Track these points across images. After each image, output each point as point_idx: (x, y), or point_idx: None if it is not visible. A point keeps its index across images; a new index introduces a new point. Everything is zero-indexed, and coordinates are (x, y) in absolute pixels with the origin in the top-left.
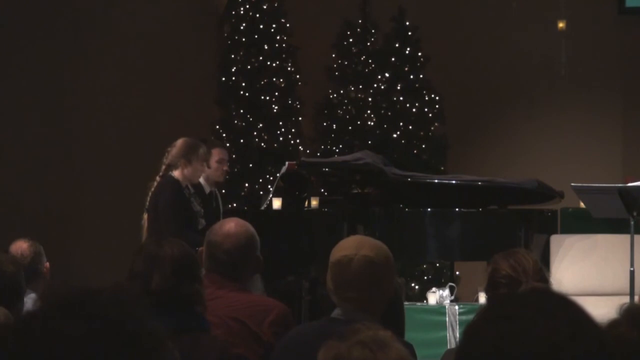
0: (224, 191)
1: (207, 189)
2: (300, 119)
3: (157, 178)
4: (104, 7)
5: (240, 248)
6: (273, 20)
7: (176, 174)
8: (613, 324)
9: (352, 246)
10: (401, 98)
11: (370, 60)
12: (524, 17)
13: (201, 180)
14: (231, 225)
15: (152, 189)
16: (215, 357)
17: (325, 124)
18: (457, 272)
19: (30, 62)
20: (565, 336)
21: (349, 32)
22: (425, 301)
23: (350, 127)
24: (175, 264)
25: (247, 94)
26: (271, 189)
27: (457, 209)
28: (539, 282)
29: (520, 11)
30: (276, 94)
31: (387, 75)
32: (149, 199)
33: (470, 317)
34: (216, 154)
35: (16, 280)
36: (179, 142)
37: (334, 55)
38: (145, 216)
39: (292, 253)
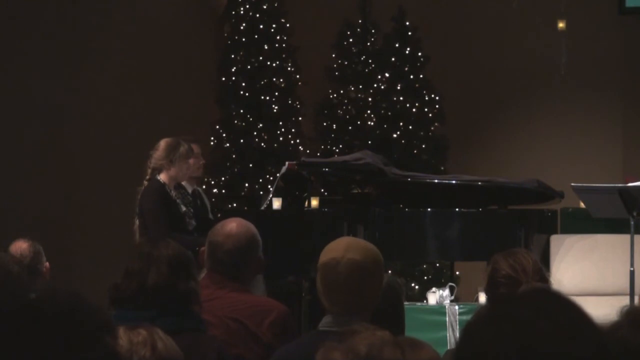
0: (224, 191)
1: (190, 188)
2: (300, 119)
3: (145, 182)
4: (104, 7)
5: (242, 248)
6: (273, 20)
7: (162, 176)
8: (614, 326)
9: (340, 249)
10: (401, 98)
11: (370, 60)
12: (524, 17)
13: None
14: (233, 225)
15: (140, 194)
16: (212, 357)
17: (325, 124)
18: (457, 272)
19: (30, 62)
20: (564, 337)
21: (349, 32)
22: (425, 301)
23: (350, 127)
24: (171, 261)
25: (247, 94)
26: (271, 189)
27: (457, 209)
28: (538, 282)
29: (520, 11)
30: (276, 94)
31: (387, 75)
32: (138, 203)
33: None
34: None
35: (20, 281)
36: (161, 143)
37: (334, 55)
38: (137, 221)
39: (292, 253)
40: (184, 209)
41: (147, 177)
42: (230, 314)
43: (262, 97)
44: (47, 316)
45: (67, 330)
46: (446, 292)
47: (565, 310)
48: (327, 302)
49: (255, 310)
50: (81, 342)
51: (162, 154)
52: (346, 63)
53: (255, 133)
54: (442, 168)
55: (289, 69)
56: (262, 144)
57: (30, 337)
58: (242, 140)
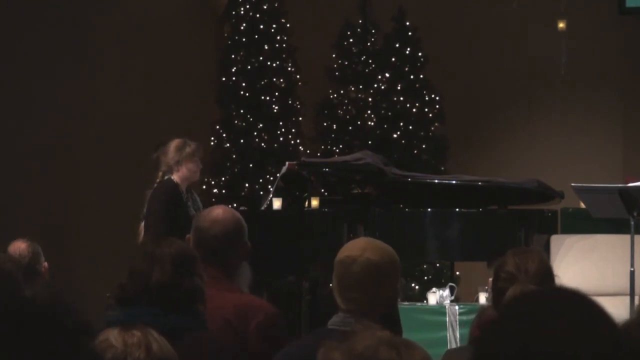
0: (224, 191)
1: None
2: (300, 119)
3: (155, 185)
4: (104, 7)
5: (228, 234)
6: (273, 20)
7: (175, 177)
8: (629, 324)
9: (358, 248)
10: (401, 98)
11: (370, 60)
12: (524, 17)
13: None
14: (219, 211)
15: (149, 195)
16: (214, 356)
17: (325, 124)
18: (457, 272)
19: (30, 63)
20: (581, 335)
21: (349, 32)
22: (425, 301)
23: (350, 127)
24: (175, 259)
25: (247, 94)
26: (271, 189)
27: (457, 209)
28: (537, 285)
29: (520, 11)
30: (276, 94)
31: (387, 75)
32: (146, 205)
33: (470, 317)
34: None
35: (14, 279)
36: (170, 145)
37: (334, 55)
38: (143, 224)
39: (292, 253)
40: (193, 212)
41: (158, 179)
42: (219, 313)
43: (262, 97)
44: (31, 319)
45: (52, 333)
46: (446, 292)
47: (583, 309)
48: (340, 300)
49: (242, 309)
50: (66, 346)
51: (170, 155)
52: (346, 63)
53: (255, 133)
54: (442, 168)
55: (289, 69)
56: (262, 144)
57: (14, 340)
58: (242, 140)
